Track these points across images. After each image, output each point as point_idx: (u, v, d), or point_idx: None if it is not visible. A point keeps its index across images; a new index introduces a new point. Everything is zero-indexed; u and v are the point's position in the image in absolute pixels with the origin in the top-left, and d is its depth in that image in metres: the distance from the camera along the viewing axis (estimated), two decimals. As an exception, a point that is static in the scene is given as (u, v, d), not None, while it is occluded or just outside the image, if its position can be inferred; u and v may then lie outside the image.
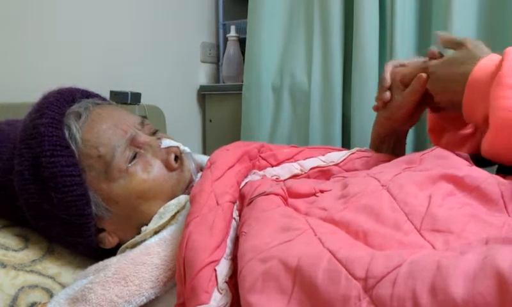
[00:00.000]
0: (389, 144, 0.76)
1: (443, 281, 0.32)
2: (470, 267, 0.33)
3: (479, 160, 0.57)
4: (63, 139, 0.59)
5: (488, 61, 0.55)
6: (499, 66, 0.52)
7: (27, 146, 0.59)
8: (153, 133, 0.68)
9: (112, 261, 0.56)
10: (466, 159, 0.56)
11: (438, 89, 0.63)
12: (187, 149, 0.67)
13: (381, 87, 0.72)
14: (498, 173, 0.58)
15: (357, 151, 0.70)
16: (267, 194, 0.52)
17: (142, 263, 0.53)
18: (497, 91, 0.51)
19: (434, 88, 0.63)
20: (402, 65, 0.72)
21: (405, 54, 1.10)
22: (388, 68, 0.72)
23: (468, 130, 0.71)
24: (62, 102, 0.63)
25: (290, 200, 0.54)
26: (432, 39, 1.09)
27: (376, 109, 0.74)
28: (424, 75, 0.65)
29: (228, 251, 0.49)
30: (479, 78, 0.55)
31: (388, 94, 0.71)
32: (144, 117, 0.70)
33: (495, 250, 0.33)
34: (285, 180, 0.63)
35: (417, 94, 0.67)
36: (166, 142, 0.65)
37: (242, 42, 1.45)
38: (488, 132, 0.54)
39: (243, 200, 0.56)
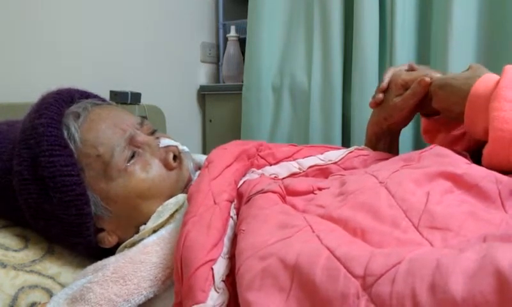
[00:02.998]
0: (385, 143, 0.78)
1: (442, 279, 0.32)
2: (469, 265, 0.33)
3: (476, 158, 0.57)
4: (62, 138, 0.59)
5: (488, 78, 0.57)
6: (498, 82, 0.54)
7: (26, 146, 0.59)
8: (152, 132, 0.68)
9: (110, 260, 0.56)
10: (465, 157, 0.56)
11: (443, 108, 0.64)
12: (185, 148, 0.67)
13: (378, 88, 0.74)
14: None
15: (355, 149, 0.70)
16: (265, 192, 0.52)
17: (140, 261, 0.53)
18: (494, 103, 0.53)
19: (440, 106, 0.64)
20: (411, 69, 0.73)
21: (405, 54, 1.10)
22: (389, 71, 0.74)
23: (459, 130, 0.72)
24: (61, 103, 0.63)
25: (288, 198, 0.54)
26: (432, 40, 1.09)
27: (371, 106, 0.76)
28: (426, 79, 0.66)
29: (225, 249, 0.49)
30: (479, 94, 0.56)
31: (381, 96, 0.73)
32: (144, 117, 0.70)
33: (494, 248, 0.33)
34: (283, 178, 0.63)
35: (418, 97, 0.68)
36: (165, 142, 0.65)
37: (242, 42, 1.45)
38: (487, 144, 0.54)
39: (241, 199, 0.56)
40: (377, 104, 0.74)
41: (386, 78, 0.73)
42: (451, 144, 0.71)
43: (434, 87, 0.65)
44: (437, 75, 0.67)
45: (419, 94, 0.67)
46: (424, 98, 0.68)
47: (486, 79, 0.56)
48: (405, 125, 0.76)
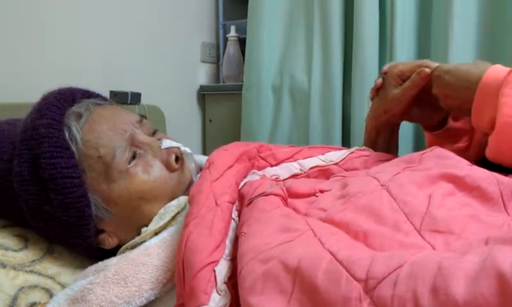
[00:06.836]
0: (385, 137, 0.77)
1: (444, 281, 0.32)
2: (471, 267, 0.33)
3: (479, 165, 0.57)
4: (63, 140, 0.59)
5: (499, 67, 0.56)
6: (510, 71, 0.53)
7: (26, 147, 0.59)
8: (153, 133, 0.67)
9: (112, 261, 0.55)
10: (466, 159, 0.56)
11: (447, 94, 0.63)
12: (187, 149, 0.67)
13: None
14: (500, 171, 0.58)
15: (356, 150, 0.70)
16: (267, 195, 0.52)
17: (142, 264, 0.52)
18: (505, 89, 0.52)
19: (443, 92, 0.64)
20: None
21: (405, 54, 1.10)
22: (387, 65, 0.74)
23: (462, 144, 0.72)
24: (62, 103, 0.63)
25: (289, 200, 0.54)
26: (432, 40, 1.09)
27: (372, 94, 0.76)
28: (426, 69, 0.65)
29: (227, 251, 0.49)
30: (490, 83, 0.55)
31: (380, 80, 0.73)
32: (144, 117, 0.70)
33: (495, 250, 0.33)
34: (284, 179, 0.63)
35: (416, 88, 0.67)
36: (167, 143, 0.65)
37: (242, 42, 1.45)
38: (493, 132, 0.54)
39: (242, 200, 0.56)
40: (377, 90, 0.74)
41: (385, 67, 0.73)
42: None
43: (439, 71, 0.64)
44: (434, 64, 0.67)
45: (418, 85, 0.67)
46: (423, 90, 0.67)
47: (497, 69, 0.56)
48: (404, 117, 0.76)
